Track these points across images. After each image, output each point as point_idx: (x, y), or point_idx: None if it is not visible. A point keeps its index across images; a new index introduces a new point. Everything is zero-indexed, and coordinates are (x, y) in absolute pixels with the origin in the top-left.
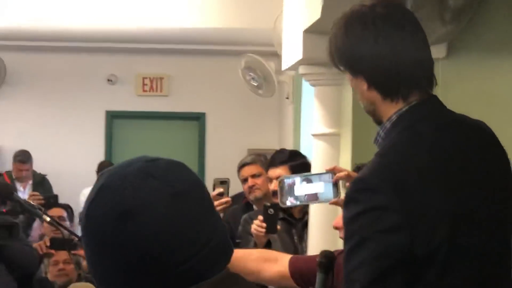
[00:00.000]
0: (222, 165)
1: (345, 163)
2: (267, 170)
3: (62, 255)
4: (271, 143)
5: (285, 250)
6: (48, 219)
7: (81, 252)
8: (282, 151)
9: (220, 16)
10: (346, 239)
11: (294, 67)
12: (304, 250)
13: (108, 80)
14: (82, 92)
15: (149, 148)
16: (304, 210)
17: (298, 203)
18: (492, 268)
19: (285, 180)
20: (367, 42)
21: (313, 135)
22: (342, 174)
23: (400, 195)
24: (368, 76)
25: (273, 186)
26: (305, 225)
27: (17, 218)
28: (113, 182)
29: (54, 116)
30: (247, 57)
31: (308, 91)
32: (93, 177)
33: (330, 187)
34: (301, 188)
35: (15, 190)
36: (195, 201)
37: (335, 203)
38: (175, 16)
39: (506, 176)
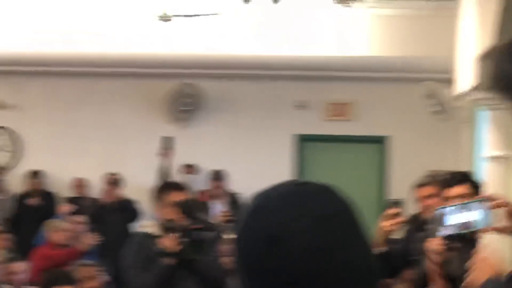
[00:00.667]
0: (404, 185)
1: None
2: (443, 189)
3: None
4: (448, 166)
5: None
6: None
7: None
8: (456, 172)
9: (400, 45)
10: None
11: (470, 92)
12: None
13: (296, 106)
14: (270, 117)
15: (334, 169)
16: None
17: (451, 232)
18: None
19: (439, 211)
20: None
21: (487, 157)
22: (499, 202)
23: None
24: None
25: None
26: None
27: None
28: (262, 207)
29: (244, 138)
30: (426, 85)
31: (481, 115)
32: None
33: (485, 215)
34: (455, 217)
35: (207, 208)
36: (342, 226)
37: (486, 231)
38: (361, 45)
39: None
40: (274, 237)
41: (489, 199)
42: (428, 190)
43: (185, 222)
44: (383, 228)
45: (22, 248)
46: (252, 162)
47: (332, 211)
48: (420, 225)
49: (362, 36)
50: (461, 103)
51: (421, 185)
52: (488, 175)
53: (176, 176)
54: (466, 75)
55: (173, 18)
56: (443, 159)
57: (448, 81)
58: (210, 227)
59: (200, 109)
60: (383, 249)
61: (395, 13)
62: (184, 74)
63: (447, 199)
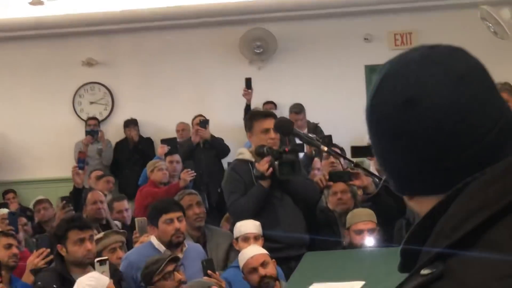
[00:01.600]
0: None
1: None
2: None
3: (340, 186)
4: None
5: None
6: (325, 149)
7: (357, 182)
8: None
9: None
10: None
11: None
12: None
13: (364, 38)
14: (341, 51)
15: None
16: None
17: None
18: None
19: None
20: None
21: None
22: None
23: None
24: None
25: None
26: None
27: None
28: (396, 70)
29: (320, 73)
30: (480, 9)
31: None
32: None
33: None
34: None
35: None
36: (478, 83)
37: None
38: None
39: None
40: (413, 99)
41: None
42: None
43: (276, 146)
44: None
45: (127, 189)
46: (329, 94)
47: (469, 70)
48: None
49: None
50: None
51: None
52: None
53: None
54: None
55: None
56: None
57: (507, 1)
58: (297, 149)
59: (273, 50)
60: None
61: None
62: (255, 19)
63: None
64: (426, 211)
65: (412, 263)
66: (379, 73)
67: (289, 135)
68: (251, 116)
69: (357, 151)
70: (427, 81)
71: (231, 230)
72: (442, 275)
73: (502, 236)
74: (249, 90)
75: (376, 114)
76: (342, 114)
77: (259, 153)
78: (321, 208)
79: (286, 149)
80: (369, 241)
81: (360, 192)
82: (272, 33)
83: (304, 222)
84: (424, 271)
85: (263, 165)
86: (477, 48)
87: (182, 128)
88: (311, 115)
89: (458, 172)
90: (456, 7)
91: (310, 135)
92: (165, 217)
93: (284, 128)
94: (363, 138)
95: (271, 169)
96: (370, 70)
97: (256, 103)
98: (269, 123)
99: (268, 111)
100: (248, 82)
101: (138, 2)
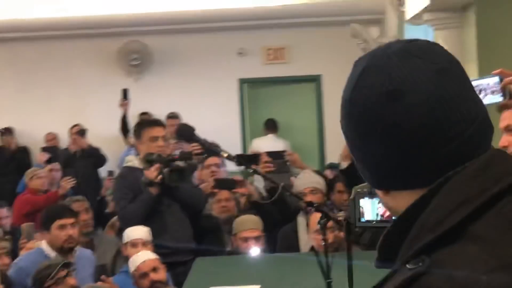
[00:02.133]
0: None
1: None
2: None
3: (224, 194)
4: None
5: None
6: (225, 155)
7: (241, 190)
8: None
9: None
10: None
11: (419, 15)
12: None
13: (238, 53)
14: (215, 65)
15: (274, 108)
16: None
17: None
18: None
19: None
20: None
21: None
22: (510, 78)
23: None
24: None
25: None
26: None
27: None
28: (377, 63)
29: (195, 85)
30: (351, 27)
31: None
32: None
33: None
34: None
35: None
36: (457, 77)
37: (505, 106)
38: None
39: None
40: (397, 91)
41: (500, 75)
42: None
43: (164, 154)
44: None
45: (3, 197)
46: (202, 106)
47: (449, 64)
48: None
49: None
50: (386, 39)
51: None
52: None
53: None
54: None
55: None
56: None
57: (375, 21)
58: (188, 156)
59: (150, 63)
60: (348, 162)
61: None
62: (133, 32)
63: None
64: (402, 206)
65: (390, 258)
66: (356, 67)
67: (191, 141)
68: (140, 125)
69: (242, 160)
70: (410, 74)
71: (118, 236)
72: (429, 269)
73: (486, 230)
74: (126, 101)
75: (357, 107)
76: (216, 126)
77: (148, 161)
78: (205, 214)
79: (176, 157)
80: (255, 250)
81: (243, 200)
82: (148, 45)
83: (191, 229)
84: (410, 265)
85: (152, 172)
86: (347, 64)
87: (51, 138)
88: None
89: (439, 166)
90: (328, 24)
91: (210, 141)
92: (58, 222)
93: (186, 134)
94: (238, 147)
95: (160, 176)
96: (242, 83)
97: (133, 114)
98: (158, 131)
99: (157, 119)
100: (125, 93)
101: (14, 12)
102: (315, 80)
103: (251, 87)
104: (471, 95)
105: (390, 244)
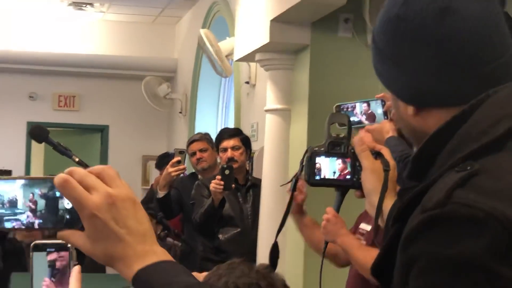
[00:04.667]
0: (122, 167)
1: (298, 135)
2: (217, 144)
3: None
4: (161, 150)
5: (233, 209)
6: (77, 159)
7: None
8: (226, 128)
9: (126, 46)
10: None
11: (250, 56)
12: (248, 210)
13: (29, 96)
14: (6, 107)
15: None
16: (247, 177)
17: (356, 119)
18: None
19: (343, 105)
20: None
21: (267, 110)
22: (390, 104)
23: None
24: None
25: (229, 154)
26: (248, 189)
27: None
28: None
29: None
30: (146, 81)
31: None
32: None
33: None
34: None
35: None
36: (498, 7)
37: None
38: (86, 44)
39: None
40: (447, 8)
41: (383, 99)
42: (199, 145)
43: None
44: (168, 173)
45: None
46: None
47: None
48: (191, 176)
49: (91, 37)
50: (177, 95)
51: (193, 140)
52: (268, 126)
53: None
54: (249, 38)
55: None
56: (157, 144)
57: (167, 79)
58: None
59: None
60: (165, 192)
61: (124, 19)
62: None
63: (225, 150)
64: (432, 126)
65: (423, 171)
66: None
67: (43, 142)
68: None
69: None
70: None
71: None
72: (478, 171)
73: None
74: None
75: (406, 22)
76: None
77: None
78: (9, 238)
79: None
80: None
81: None
82: None
83: None
84: (458, 169)
85: None
86: (132, 113)
87: None
88: None
89: (479, 84)
90: (121, 77)
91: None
92: None
93: (39, 135)
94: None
95: None
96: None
97: None
98: None
99: None
100: None
101: None
102: (102, 130)
103: None
104: (505, 26)
105: (427, 157)
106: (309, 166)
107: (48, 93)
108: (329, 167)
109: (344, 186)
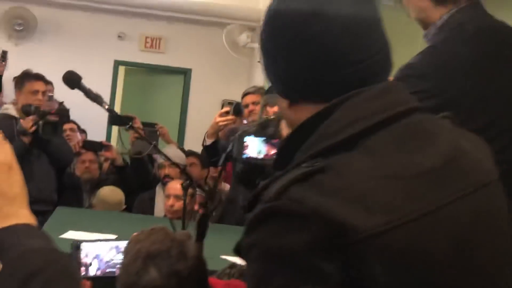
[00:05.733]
0: (202, 109)
1: None
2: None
3: (89, 155)
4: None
5: None
6: (107, 106)
7: (106, 154)
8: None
9: None
10: None
11: None
12: None
13: (118, 36)
14: (95, 45)
15: (145, 93)
16: None
17: None
18: None
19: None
20: None
21: None
22: None
23: (442, 82)
24: None
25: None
26: None
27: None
28: None
29: (74, 59)
30: (227, 28)
31: None
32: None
33: None
34: None
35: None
36: (370, 10)
37: None
38: None
39: None
40: (319, 10)
41: None
42: (253, 97)
43: (42, 107)
44: (216, 123)
45: None
46: None
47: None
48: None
49: None
50: (257, 45)
51: (248, 93)
52: None
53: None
54: None
55: None
56: (236, 91)
57: (249, 28)
58: (64, 113)
59: (33, 30)
60: (212, 140)
61: None
62: None
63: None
64: (303, 119)
65: (286, 161)
66: None
67: (75, 88)
68: (23, 76)
69: (115, 119)
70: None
71: None
72: (324, 169)
73: (377, 144)
74: (3, 63)
75: (282, 18)
76: (88, 102)
77: (26, 111)
78: (68, 172)
79: (52, 111)
80: None
81: (107, 164)
82: (33, 14)
83: (55, 182)
84: (305, 165)
85: (27, 122)
86: (214, 59)
87: None
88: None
89: (344, 85)
90: (203, 23)
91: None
92: None
93: (72, 80)
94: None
95: (34, 127)
96: (118, 65)
97: (9, 77)
98: (39, 85)
99: (41, 75)
100: (4, 55)
101: None
102: (184, 73)
103: (126, 71)
104: (379, 29)
105: (288, 150)
106: (238, 144)
107: (135, 34)
108: (257, 146)
109: (269, 165)
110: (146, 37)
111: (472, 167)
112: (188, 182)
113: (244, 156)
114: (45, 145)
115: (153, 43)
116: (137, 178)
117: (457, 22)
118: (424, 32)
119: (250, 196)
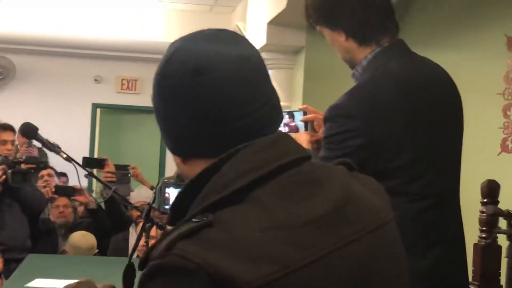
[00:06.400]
0: None
1: None
2: None
3: (63, 200)
4: None
5: None
6: (64, 155)
7: (79, 198)
8: None
9: (182, 33)
10: (322, 149)
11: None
12: None
13: (95, 80)
14: (73, 89)
15: (123, 134)
16: None
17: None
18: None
19: None
20: None
21: None
22: (310, 116)
23: (368, 121)
24: (346, 28)
25: None
26: None
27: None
28: (188, 45)
29: (52, 105)
30: None
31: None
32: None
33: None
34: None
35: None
36: (256, 65)
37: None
38: (148, 31)
39: (459, 113)
40: (201, 68)
41: (306, 110)
42: None
43: (11, 157)
44: None
45: None
46: (56, 126)
47: (251, 52)
48: None
49: (151, 24)
50: None
51: None
52: None
53: None
54: (254, 38)
55: None
56: None
57: None
58: (33, 161)
59: (13, 78)
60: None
61: (182, 7)
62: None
63: None
64: (196, 173)
65: (180, 216)
66: (170, 47)
67: (33, 139)
68: None
69: (88, 162)
70: (215, 55)
71: None
72: (211, 223)
73: (265, 195)
74: None
75: (166, 79)
76: (68, 145)
77: None
78: (42, 218)
79: (21, 160)
80: None
81: (81, 208)
82: (12, 62)
83: (28, 229)
84: (195, 219)
85: None
86: None
87: None
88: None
89: (231, 139)
90: None
91: (51, 142)
92: None
93: (28, 132)
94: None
95: (4, 176)
96: (96, 108)
97: None
98: (7, 135)
99: (8, 124)
100: None
101: None
102: None
103: (104, 112)
104: (266, 83)
105: (181, 205)
106: (159, 196)
107: (111, 76)
108: None
109: None
110: (122, 79)
111: (365, 210)
112: (149, 224)
113: (166, 207)
114: (15, 194)
115: (129, 85)
116: (110, 220)
117: (380, 62)
118: (352, 72)
119: (142, 254)
